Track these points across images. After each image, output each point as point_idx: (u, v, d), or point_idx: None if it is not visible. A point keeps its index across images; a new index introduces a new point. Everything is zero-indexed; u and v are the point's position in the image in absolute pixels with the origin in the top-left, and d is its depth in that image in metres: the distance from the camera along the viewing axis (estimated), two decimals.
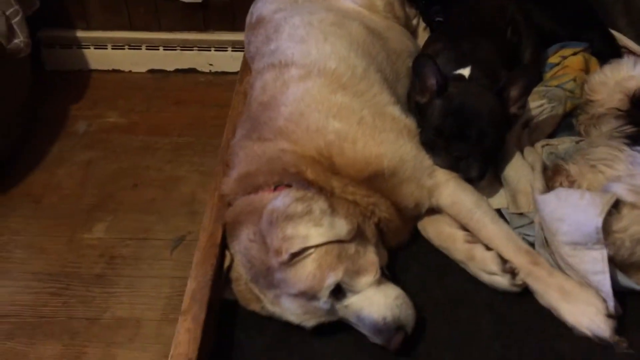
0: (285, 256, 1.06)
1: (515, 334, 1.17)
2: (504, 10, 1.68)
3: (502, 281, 1.19)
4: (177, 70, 2.76)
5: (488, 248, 1.23)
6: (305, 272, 1.06)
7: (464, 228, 1.28)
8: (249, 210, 1.18)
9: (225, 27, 2.68)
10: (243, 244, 1.14)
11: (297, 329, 1.13)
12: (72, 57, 2.72)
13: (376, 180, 1.22)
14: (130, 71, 2.77)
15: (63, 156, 2.30)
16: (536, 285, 1.18)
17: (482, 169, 1.33)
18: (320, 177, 1.19)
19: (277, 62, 1.42)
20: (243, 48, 2.69)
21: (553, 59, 1.72)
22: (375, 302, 1.08)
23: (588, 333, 1.12)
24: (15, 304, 1.79)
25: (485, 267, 1.21)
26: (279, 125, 1.27)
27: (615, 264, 1.18)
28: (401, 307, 1.09)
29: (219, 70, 2.76)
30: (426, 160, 1.30)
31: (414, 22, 1.83)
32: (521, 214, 1.34)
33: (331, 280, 1.06)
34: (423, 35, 1.85)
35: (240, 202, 1.22)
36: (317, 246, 1.07)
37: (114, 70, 2.77)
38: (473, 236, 1.26)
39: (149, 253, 1.95)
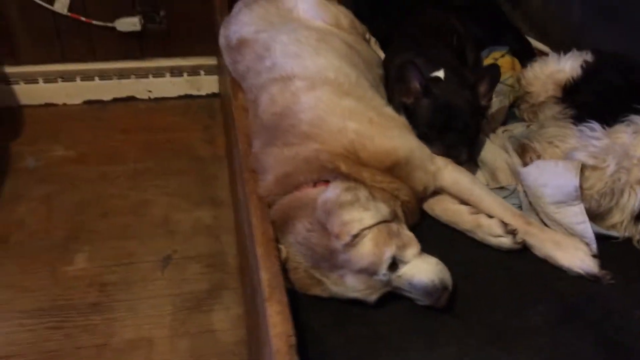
0: (347, 238, 1.18)
1: (524, 283, 1.37)
2: (447, 22, 1.94)
3: (506, 241, 1.40)
4: (115, 100, 2.73)
5: (489, 217, 1.44)
6: (366, 250, 1.19)
7: (465, 203, 1.49)
8: (297, 206, 1.28)
9: (161, 54, 2.70)
10: (300, 235, 1.24)
11: (352, 305, 1.25)
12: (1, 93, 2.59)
13: (395, 169, 1.39)
14: (64, 104, 2.69)
15: (19, 193, 2.20)
16: (532, 241, 1.41)
17: (469, 153, 1.55)
18: (352, 170, 1.33)
19: (278, 77, 1.53)
20: (180, 74, 2.77)
21: (487, 61, 2.00)
22: (423, 269, 1.23)
23: (581, 272, 1.36)
24: (15, 344, 1.70)
25: (491, 231, 1.41)
26: (303, 130, 1.38)
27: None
28: (442, 270, 1.25)
29: (159, 96, 2.77)
30: (426, 149, 1.49)
31: (367, 36, 2.03)
32: (501, 187, 1.58)
33: (388, 254, 1.20)
34: (375, 48, 2.05)
35: (284, 200, 1.32)
36: (370, 227, 1.20)
37: (47, 105, 2.67)
38: (474, 209, 1.47)
39: (138, 276, 1.93)
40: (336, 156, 1.34)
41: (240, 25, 1.82)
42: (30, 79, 2.61)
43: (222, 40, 1.89)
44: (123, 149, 2.47)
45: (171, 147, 2.50)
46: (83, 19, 2.49)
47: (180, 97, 2.79)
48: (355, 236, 1.19)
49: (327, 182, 1.31)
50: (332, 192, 1.23)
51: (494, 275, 1.39)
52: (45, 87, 2.64)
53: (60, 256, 1.97)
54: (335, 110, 1.42)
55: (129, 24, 2.53)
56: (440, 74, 1.63)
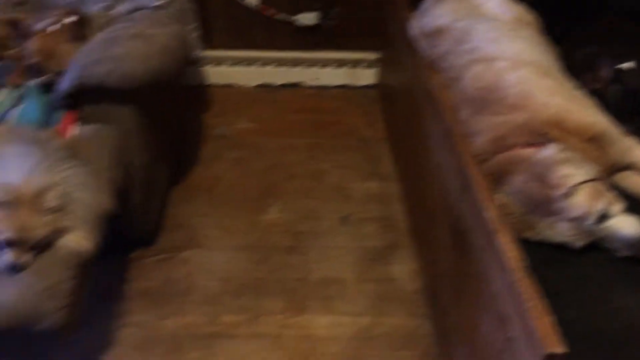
0: (564, 189, 1.38)
1: None
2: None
3: None
4: (283, 85, 3.07)
5: None
6: (580, 201, 1.38)
7: None
8: (512, 162, 1.50)
9: (329, 47, 3.01)
10: (517, 186, 1.46)
11: (557, 250, 1.45)
12: (193, 73, 2.98)
13: (594, 141, 1.57)
14: (241, 85, 3.05)
15: (216, 155, 2.55)
16: None
17: None
18: (560, 136, 1.53)
19: (479, 58, 1.76)
20: (343, 66, 3.06)
21: None
22: (629, 223, 1.41)
23: None
24: (231, 270, 2.01)
25: None
26: (511, 102, 1.60)
27: None
28: None
29: (322, 84, 3.08)
30: (618, 128, 1.66)
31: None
32: None
33: (599, 207, 1.38)
34: None
35: (497, 159, 1.54)
36: (585, 182, 1.40)
37: (228, 85, 3.04)
38: None
39: (323, 229, 2.21)
40: (545, 124, 1.54)
41: (435, 17, 2.06)
42: (218, 62, 2.99)
43: (415, 31, 2.15)
44: (297, 126, 2.78)
45: (338, 128, 2.79)
46: (270, 12, 2.84)
47: (340, 86, 3.09)
48: (571, 188, 1.39)
49: (539, 144, 1.52)
50: (550, 150, 1.44)
51: None
52: (229, 69, 3.01)
53: (256, 207, 2.29)
54: (539, 87, 1.62)
55: (307, 18, 2.85)
56: (629, 65, 1.80)
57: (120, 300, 1.88)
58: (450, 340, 1.70)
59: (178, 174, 2.38)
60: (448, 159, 1.73)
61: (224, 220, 2.22)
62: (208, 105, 2.88)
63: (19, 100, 1.69)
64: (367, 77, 3.08)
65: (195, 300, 1.91)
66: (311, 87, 3.07)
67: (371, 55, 3.02)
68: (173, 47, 1.69)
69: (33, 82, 1.73)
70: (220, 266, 2.03)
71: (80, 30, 1.75)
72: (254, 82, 3.06)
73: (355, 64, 3.05)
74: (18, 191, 1.17)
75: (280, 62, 3.02)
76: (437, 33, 2.02)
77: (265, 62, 3.01)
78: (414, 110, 2.18)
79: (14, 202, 1.17)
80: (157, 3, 1.99)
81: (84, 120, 1.66)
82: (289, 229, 2.20)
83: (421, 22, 2.13)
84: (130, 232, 1.84)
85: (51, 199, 1.20)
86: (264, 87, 3.05)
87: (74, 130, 1.60)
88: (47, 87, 1.72)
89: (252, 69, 3.03)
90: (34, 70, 1.74)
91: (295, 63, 3.02)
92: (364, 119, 2.86)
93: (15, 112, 1.62)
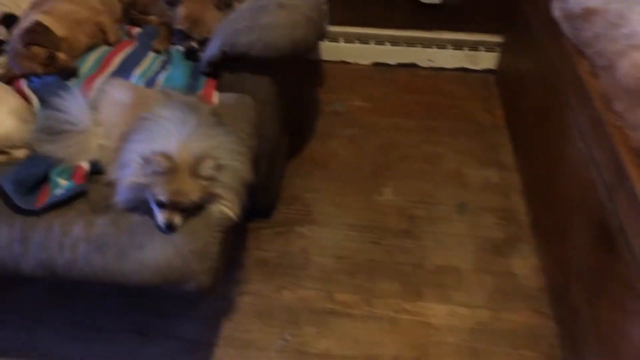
0: None
1: None
2: None
3: None
4: (398, 65, 2.98)
5: None
6: None
7: None
8: None
9: (448, 27, 2.89)
10: None
11: None
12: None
13: None
14: (356, 63, 3.00)
15: (330, 131, 2.52)
16: None
17: None
18: None
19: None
20: (461, 48, 2.93)
21: None
22: None
23: None
24: (346, 248, 1.99)
25: None
26: None
27: None
28: None
29: (437, 66, 2.97)
30: None
31: None
32: None
33: None
34: None
35: None
36: None
37: (342, 62, 2.99)
38: None
39: (439, 214, 2.14)
40: None
41: None
42: (333, 38, 2.95)
43: (556, 12, 2.00)
44: (411, 107, 2.70)
45: (454, 111, 2.68)
46: None
47: (456, 69, 2.96)
48: None
49: None
50: None
51: None
52: (343, 46, 2.96)
53: (370, 186, 2.25)
54: None
55: None
56: None
57: (239, 268, 1.92)
58: (580, 344, 1.60)
59: (294, 148, 2.38)
60: (597, 151, 1.60)
61: (338, 198, 2.20)
62: (322, 80, 2.86)
63: (164, 65, 1.73)
64: (486, 60, 2.94)
65: (310, 275, 1.90)
66: (426, 68, 2.97)
67: (492, 38, 2.87)
68: (314, 18, 1.66)
69: (177, 48, 1.77)
70: (335, 243, 2.01)
71: None
72: (369, 60, 3.00)
73: (474, 46, 2.91)
74: (177, 159, 1.19)
75: (396, 41, 2.93)
76: (585, 15, 1.86)
77: (381, 41, 2.94)
78: (551, 97, 2.04)
79: (172, 169, 1.19)
80: None
81: (222, 88, 1.67)
82: (403, 211, 2.14)
83: (566, 3, 1.98)
84: (253, 202, 1.85)
85: (207, 168, 1.21)
86: (379, 65, 2.98)
87: (216, 98, 1.61)
88: (191, 54, 1.74)
89: (368, 46, 2.96)
90: (179, 36, 1.77)
91: (412, 42, 2.93)
92: (482, 104, 2.74)
93: (162, 77, 1.66)
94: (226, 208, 1.31)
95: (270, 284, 1.87)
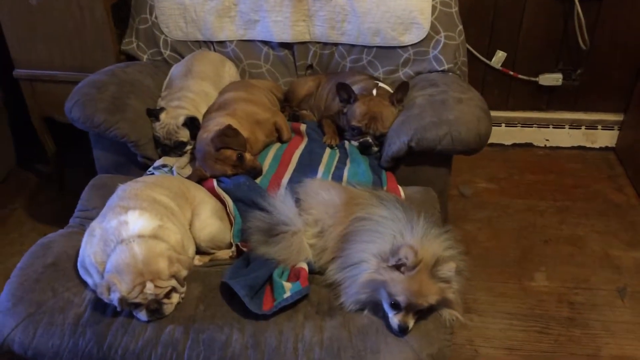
0: None
1: None
2: None
3: None
4: (514, 145, 2.97)
5: None
6: None
7: None
8: None
9: (565, 107, 2.88)
10: None
11: None
12: None
13: None
14: None
15: (463, 215, 2.49)
16: None
17: None
18: None
19: None
20: (579, 127, 2.91)
21: None
22: None
23: None
24: (512, 339, 1.90)
25: None
26: None
27: None
28: None
29: (554, 145, 2.94)
30: None
31: None
32: None
33: None
34: None
35: None
36: None
37: None
38: None
39: (600, 301, 2.03)
40: None
41: None
42: None
43: None
44: (536, 187, 2.65)
45: (582, 191, 2.62)
46: (511, 73, 2.79)
47: (573, 148, 2.93)
48: None
49: None
50: None
51: None
52: None
53: (520, 272, 2.17)
54: None
55: (552, 79, 2.75)
56: None
57: None
58: None
59: None
60: None
61: (491, 285, 2.12)
62: None
63: (343, 160, 1.75)
64: (604, 139, 2.90)
65: None
66: (542, 147, 2.95)
67: (612, 117, 2.84)
68: (487, 109, 1.67)
69: (352, 143, 1.80)
70: (500, 333, 1.92)
71: (400, 95, 1.79)
72: None
73: (591, 125, 2.89)
74: (422, 256, 1.17)
75: (512, 122, 2.94)
76: None
77: (497, 123, 2.95)
78: None
79: (416, 266, 1.17)
80: (444, 67, 2.01)
81: (399, 180, 1.68)
82: (562, 298, 2.05)
83: None
84: None
85: (447, 270, 1.19)
86: (494, 146, 2.97)
87: (402, 191, 1.61)
88: (365, 149, 1.77)
89: None
90: (353, 132, 1.80)
91: (528, 123, 2.93)
92: (609, 183, 2.67)
93: (346, 172, 1.68)
94: (457, 313, 1.27)
95: None
